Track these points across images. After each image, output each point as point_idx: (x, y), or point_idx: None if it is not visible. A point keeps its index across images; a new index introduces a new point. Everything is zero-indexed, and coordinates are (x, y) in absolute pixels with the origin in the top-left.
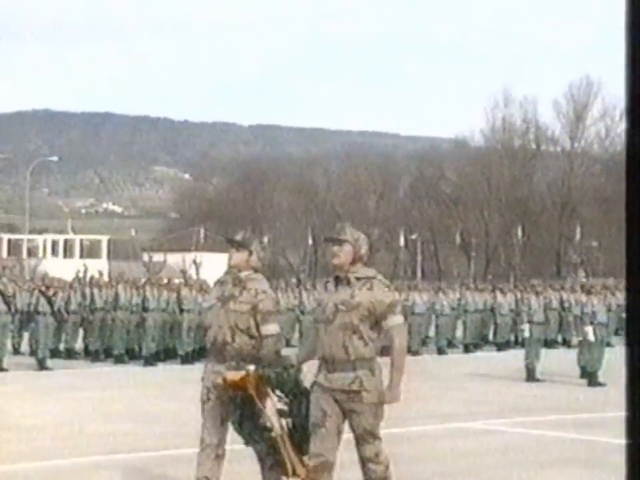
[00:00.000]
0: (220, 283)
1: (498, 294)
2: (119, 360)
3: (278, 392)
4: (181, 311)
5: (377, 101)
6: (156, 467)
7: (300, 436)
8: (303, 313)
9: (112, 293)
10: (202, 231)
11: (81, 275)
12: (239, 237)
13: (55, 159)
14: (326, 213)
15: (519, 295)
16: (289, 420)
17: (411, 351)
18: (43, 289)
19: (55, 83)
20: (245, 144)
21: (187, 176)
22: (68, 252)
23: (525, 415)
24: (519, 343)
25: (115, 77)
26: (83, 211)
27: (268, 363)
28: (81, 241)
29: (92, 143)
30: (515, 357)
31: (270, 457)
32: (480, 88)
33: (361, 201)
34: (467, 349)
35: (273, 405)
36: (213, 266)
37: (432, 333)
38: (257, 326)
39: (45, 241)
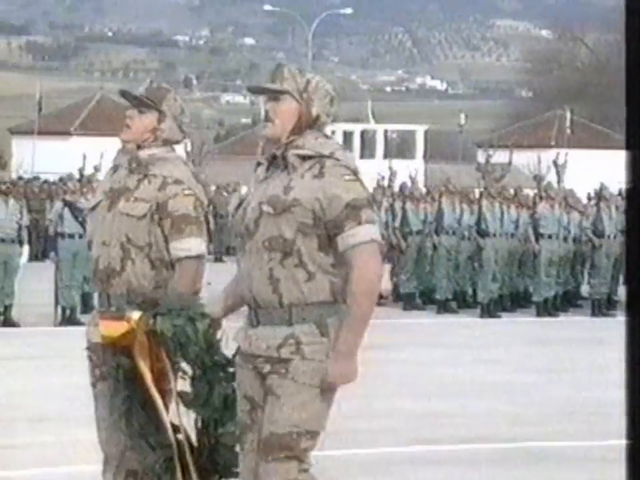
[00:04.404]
0: (112, 169)
1: None
2: (443, 308)
3: (179, 361)
4: (537, 237)
5: None
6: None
7: (211, 446)
8: None
9: (432, 210)
10: (568, 116)
11: (385, 183)
12: (141, 90)
13: (348, 11)
14: None
15: None
16: (196, 414)
17: None
18: None
19: None
20: None
21: (544, 32)
22: (367, 149)
23: None
24: None
25: None
26: (389, 88)
27: (169, 308)
28: (386, 132)
29: None
30: None
31: (167, 476)
32: None
33: None
34: None
35: (173, 387)
36: (583, 169)
37: None
38: (166, 241)
39: (333, 133)
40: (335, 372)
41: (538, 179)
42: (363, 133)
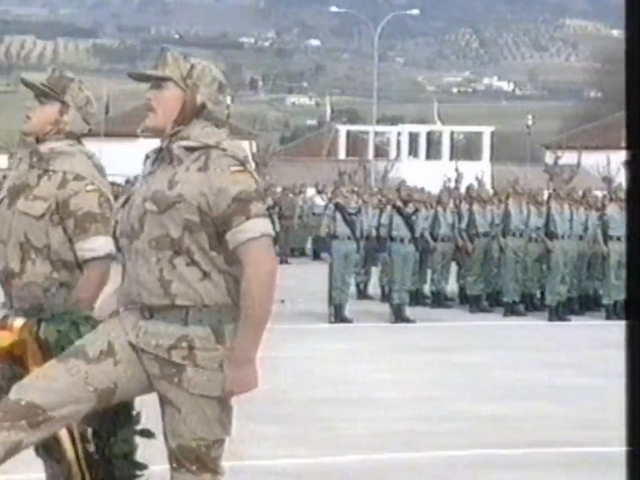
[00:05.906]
0: (17, 163)
1: None
2: (511, 310)
3: None
4: (606, 239)
5: None
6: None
7: (105, 458)
8: None
9: (499, 212)
10: None
11: (451, 184)
12: (42, 79)
13: (414, 12)
14: None
15: None
16: (87, 424)
17: None
18: (399, 204)
19: None
20: None
21: (615, 32)
22: (433, 150)
23: None
24: None
25: None
26: (455, 89)
27: (53, 313)
28: (452, 134)
29: None
30: None
31: None
32: None
33: None
34: None
35: None
36: None
37: None
38: (70, 241)
39: (399, 135)
40: (233, 380)
41: (607, 180)
42: (429, 135)
